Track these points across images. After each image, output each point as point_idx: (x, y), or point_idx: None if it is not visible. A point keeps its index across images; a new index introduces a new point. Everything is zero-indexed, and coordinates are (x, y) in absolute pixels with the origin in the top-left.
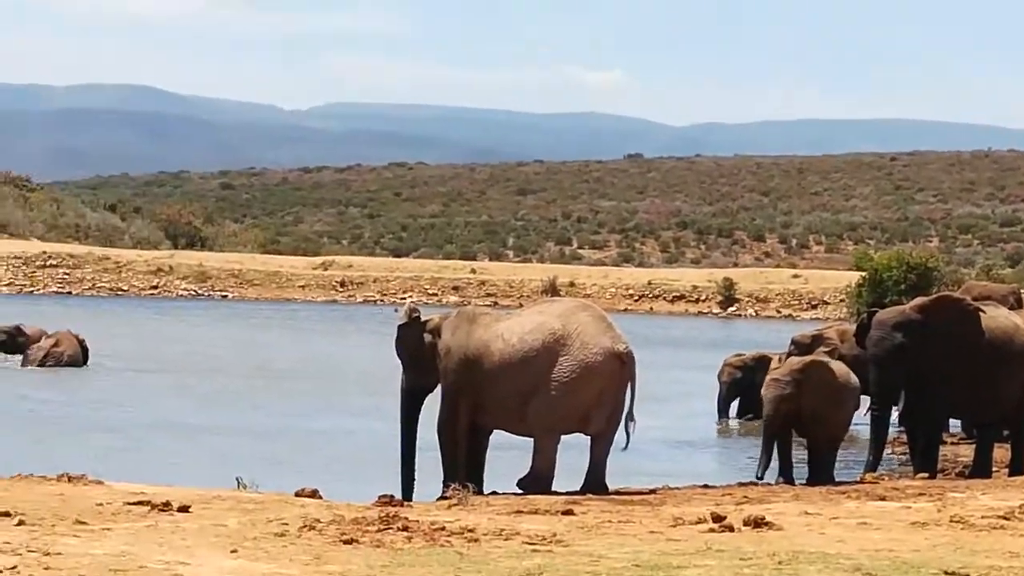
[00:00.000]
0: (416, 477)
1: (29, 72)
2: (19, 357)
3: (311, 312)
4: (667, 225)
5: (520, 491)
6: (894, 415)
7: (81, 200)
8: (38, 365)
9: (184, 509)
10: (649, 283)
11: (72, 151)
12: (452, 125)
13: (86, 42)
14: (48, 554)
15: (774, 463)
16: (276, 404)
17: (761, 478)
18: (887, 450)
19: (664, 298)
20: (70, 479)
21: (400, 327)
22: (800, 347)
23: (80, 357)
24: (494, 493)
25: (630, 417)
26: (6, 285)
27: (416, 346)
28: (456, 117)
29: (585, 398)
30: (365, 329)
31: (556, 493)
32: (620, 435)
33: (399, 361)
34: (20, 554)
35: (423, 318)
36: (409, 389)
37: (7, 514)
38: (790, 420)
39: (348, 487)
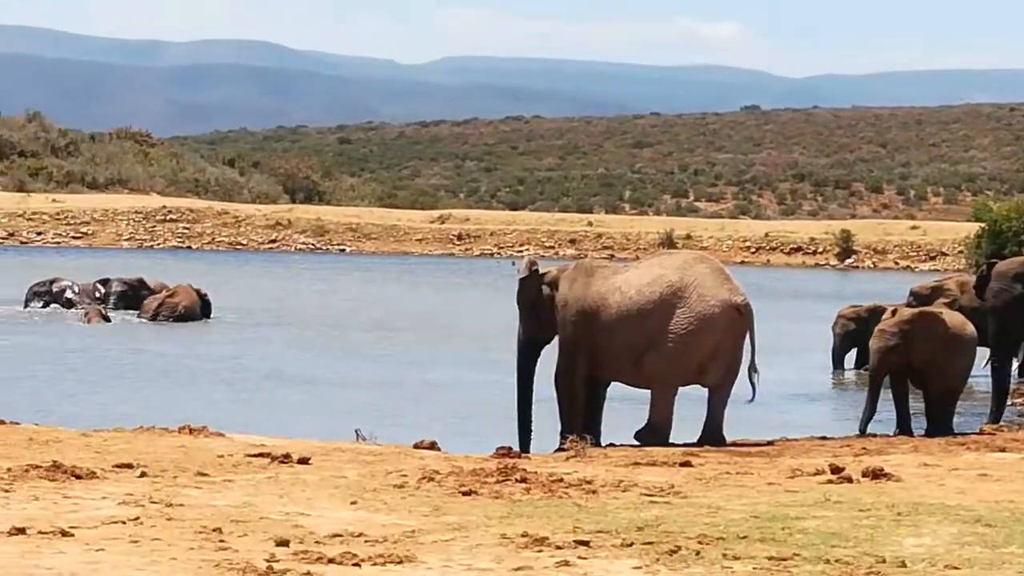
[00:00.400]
0: (533, 429)
1: (149, 28)
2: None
3: (428, 265)
4: (784, 177)
5: (637, 443)
6: (1015, 366)
7: (200, 155)
8: (151, 316)
9: (304, 461)
10: (766, 235)
11: (191, 106)
12: (568, 78)
13: None
14: (170, 505)
15: (886, 415)
16: (393, 356)
17: (864, 431)
18: (1007, 401)
19: (781, 250)
20: (191, 431)
21: (520, 280)
22: (919, 298)
23: (198, 310)
24: (611, 445)
25: (753, 369)
26: (127, 240)
27: (534, 298)
28: (572, 70)
29: (702, 350)
30: (481, 282)
31: (673, 445)
32: (744, 387)
33: (517, 313)
34: (143, 505)
35: (541, 271)
36: (526, 341)
37: (129, 466)
38: (899, 372)
39: (465, 439)
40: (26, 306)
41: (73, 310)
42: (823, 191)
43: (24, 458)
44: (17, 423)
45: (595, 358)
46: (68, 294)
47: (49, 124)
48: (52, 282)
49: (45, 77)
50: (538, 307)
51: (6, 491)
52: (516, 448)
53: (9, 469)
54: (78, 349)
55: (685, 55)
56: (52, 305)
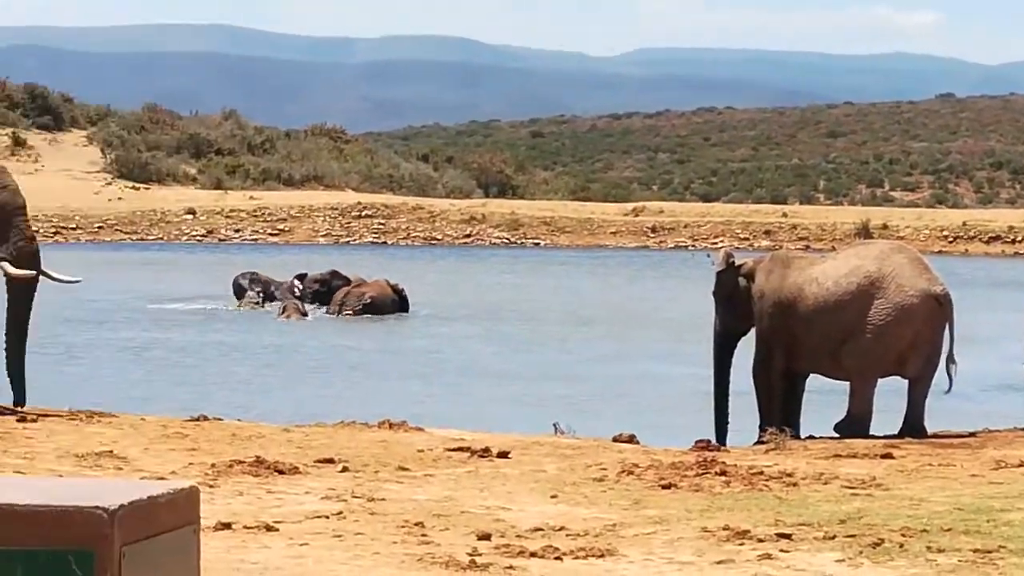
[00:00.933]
0: (730, 422)
1: (341, 25)
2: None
3: (622, 258)
4: (981, 165)
5: (837, 435)
6: None
7: (394, 151)
8: (338, 307)
9: (503, 455)
10: (964, 224)
11: (384, 102)
12: (761, 68)
13: None
14: (372, 500)
15: None
16: (588, 349)
17: None
18: None
19: (980, 239)
20: (391, 426)
21: (716, 272)
22: None
23: (389, 304)
24: (811, 437)
25: (951, 360)
26: (323, 236)
27: (731, 291)
28: (764, 60)
29: (901, 341)
30: (676, 274)
31: (874, 437)
32: (942, 378)
33: (713, 306)
34: (345, 500)
35: (737, 263)
36: (722, 333)
37: (331, 461)
38: None
39: (663, 432)
40: (239, 297)
41: (271, 304)
42: (1022, 179)
43: (228, 454)
44: (220, 419)
45: (792, 350)
46: (271, 288)
47: (245, 122)
48: (253, 275)
49: (240, 75)
50: (734, 299)
51: (211, 487)
52: (714, 441)
53: (213, 465)
54: (276, 345)
55: (878, 43)
56: (259, 296)
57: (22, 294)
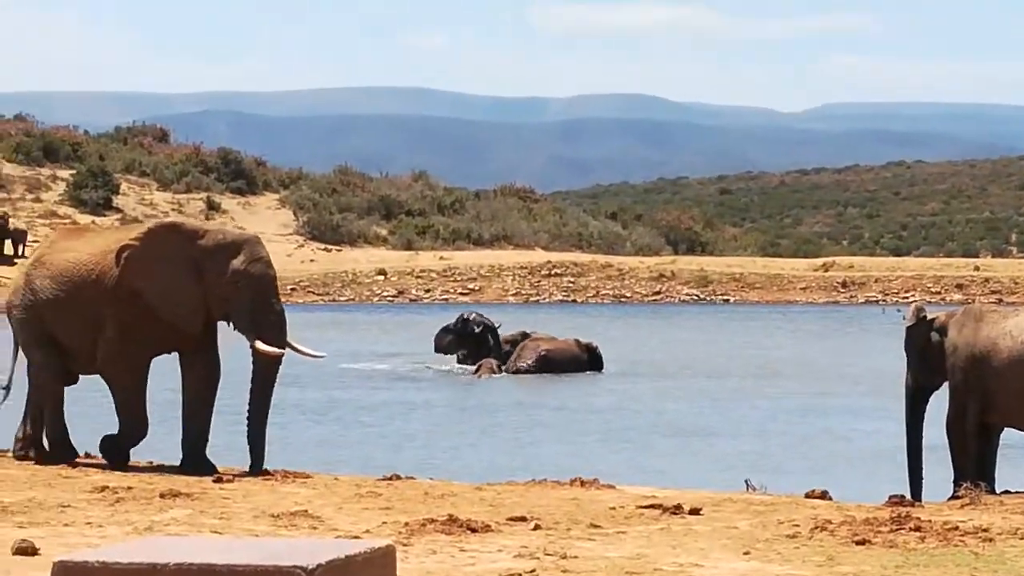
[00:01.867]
0: (924, 477)
1: (531, 85)
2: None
3: (812, 314)
4: None
5: None
6: None
7: (583, 209)
8: (514, 364)
9: (695, 511)
10: None
11: (573, 161)
12: (951, 121)
13: (585, 54)
14: (565, 557)
15: None
16: (777, 405)
17: None
18: None
19: None
20: (583, 483)
21: (908, 327)
22: None
23: (570, 361)
24: (1007, 492)
25: None
26: (513, 295)
27: (923, 345)
28: (955, 113)
29: None
30: (867, 329)
31: None
32: None
33: (905, 360)
34: (538, 558)
35: (929, 316)
36: (914, 388)
37: (523, 519)
38: None
39: (856, 488)
40: (443, 349)
41: (464, 365)
42: None
43: (421, 512)
44: (412, 478)
45: (986, 404)
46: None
47: (435, 183)
48: (465, 321)
49: (430, 136)
50: (926, 354)
51: (405, 545)
52: (908, 496)
53: (407, 524)
54: (467, 403)
55: None
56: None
57: (268, 367)
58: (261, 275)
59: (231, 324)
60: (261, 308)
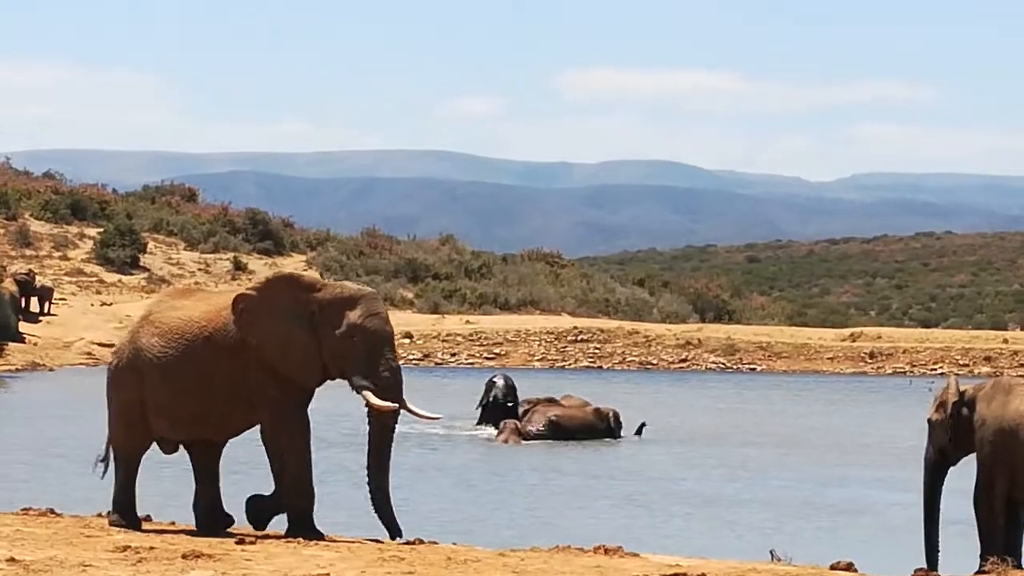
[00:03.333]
0: (940, 549)
1: (559, 150)
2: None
3: (839, 384)
4: None
5: None
6: None
7: (610, 275)
8: (526, 426)
9: None
10: None
11: (600, 226)
12: (980, 192)
13: (613, 121)
14: None
15: None
16: (801, 475)
17: None
18: None
19: None
20: (606, 551)
21: (954, 403)
22: None
23: (583, 427)
24: None
25: None
26: (539, 360)
27: (952, 419)
28: (985, 184)
29: None
30: (894, 400)
31: None
32: None
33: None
34: None
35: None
36: (935, 460)
37: None
38: None
39: (881, 560)
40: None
41: (491, 430)
42: None
43: None
44: (435, 543)
45: (1015, 478)
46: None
47: (462, 247)
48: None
49: (458, 200)
50: (954, 427)
51: None
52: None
53: None
54: (489, 468)
55: None
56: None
57: (383, 428)
58: (378, 330)
59: (349, 382)
60: (376, 364)
